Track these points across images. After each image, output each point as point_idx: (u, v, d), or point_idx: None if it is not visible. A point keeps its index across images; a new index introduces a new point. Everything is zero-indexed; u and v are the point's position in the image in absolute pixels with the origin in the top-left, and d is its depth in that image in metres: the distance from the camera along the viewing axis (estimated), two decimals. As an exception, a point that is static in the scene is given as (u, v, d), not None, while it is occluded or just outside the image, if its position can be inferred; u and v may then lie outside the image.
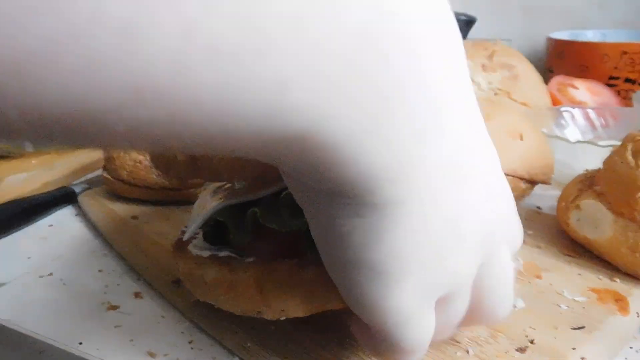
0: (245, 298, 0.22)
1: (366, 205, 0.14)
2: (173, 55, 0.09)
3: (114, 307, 0.28)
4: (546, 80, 0.58)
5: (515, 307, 0.26)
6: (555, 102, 0.56)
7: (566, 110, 0.50)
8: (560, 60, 0.66)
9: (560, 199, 0.32)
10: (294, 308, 0.21)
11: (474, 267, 0.17)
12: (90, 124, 0.09)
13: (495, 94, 0.50)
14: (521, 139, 0.36)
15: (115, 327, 0.27)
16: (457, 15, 0.63)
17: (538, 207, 0.39)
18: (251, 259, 0.22)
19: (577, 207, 0.30)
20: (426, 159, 0.14)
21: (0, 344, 0.28)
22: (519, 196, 0.37)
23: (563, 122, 0.49)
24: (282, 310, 0.21)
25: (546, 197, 0.40)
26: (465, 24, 0.68)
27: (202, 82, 0.09)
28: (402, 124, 0.13)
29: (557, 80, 0.59)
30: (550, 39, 0.68)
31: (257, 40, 0.10)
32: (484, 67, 0.51)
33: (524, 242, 0.33)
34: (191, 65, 0.09)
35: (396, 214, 0.14)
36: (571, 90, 0.58)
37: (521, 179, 0.36)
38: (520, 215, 0.38)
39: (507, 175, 0.35)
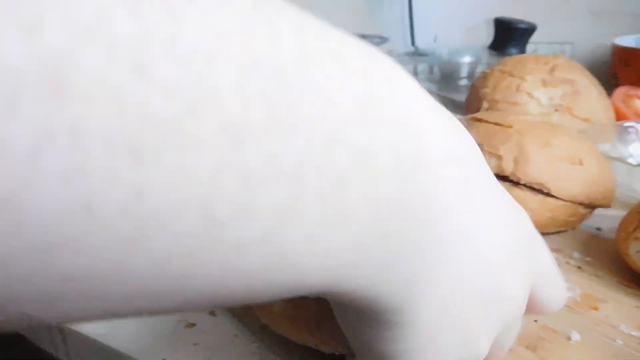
0: (305, 333, 0.24)
1: (375, 320, 0.17)
2: (215, 285, 0.12)
3: (191, 325, 0.31)
4: (611, 89, 0.57)
5: (570, 340, 0.27)
6: (619, 114, 0.55)
7: (630, 126, 0.49)
8: (626, 68, 0.64)
9: (619, 228, 0.33)
10: (349, 348, 0.23)
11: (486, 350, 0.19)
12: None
13: (556, 110, 0.49)
14: (581, 164, 0.37)
15: (194, 344, 0.30)
16: (517, 23, 0.63)
17: (598, 229, 0.39)
18: (313, 298, 0.25)
19: (637, 238, 0.31)
20: (428, 291, 0.16)
21: (95, 357, 0.31)
22: (577, 221, 0.37)
23: (627, 138, 0.49)
24: (338, 349, 0.23)
25: (607, 217, 0.40)
26: (525, 32, 0.68)
27: (235, 289, 0.12)
28: (404, 272, 0.15)
29: (621, 91, 0.58)
30: (615, 46, 0.66)
31: (280, 261, 0.12)
32: (544, 83, 0.50)
33: (582, 269, 0.34)
34: (229, 284, 0.12)
35: (402, 332, 0.17)
36: (637, 102, 0.57)
37: (580, 204, 0.36)
38: (579, 240, 0.38)
39: (566, 201, 0.36)
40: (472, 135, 0.41)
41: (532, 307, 0.21)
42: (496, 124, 0.38)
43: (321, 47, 0.12)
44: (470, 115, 0.42)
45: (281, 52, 0.11)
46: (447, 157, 0.16)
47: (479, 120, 0.39)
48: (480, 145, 0.37)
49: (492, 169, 0.37)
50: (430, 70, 0.79)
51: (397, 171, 0.14)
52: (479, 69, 0.70)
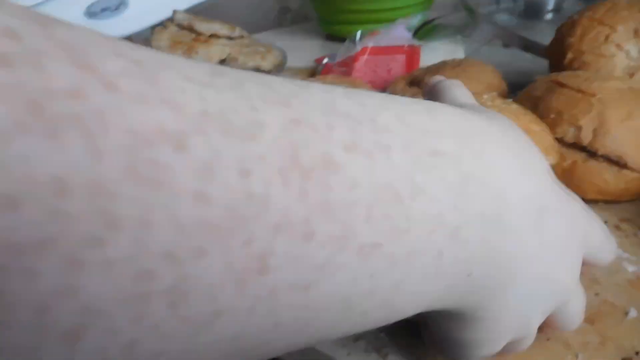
0: None
1: (452, 315, 0.20)
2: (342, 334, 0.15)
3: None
4: None
5: (627, 316, 0.29)
6: None
7: None
8: None
9: (693, 208, 0.34)
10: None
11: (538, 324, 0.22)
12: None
13: (645, 64, 0.48)
14: (662, 136, 0.37)
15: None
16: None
17: (672, 196, 0.40)
18: None
19: None
20: (500, 300, 0.19)
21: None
22: (650, 192, 0.38)
23: None
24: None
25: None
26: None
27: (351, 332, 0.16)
28: (482, 294, 0.19)
29: None
30: None
31: (389, 316, 0.16)
32: (636, 33, 0.49)
33: (649, 242, 0.35)
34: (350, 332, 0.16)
35: (475, 324, 0.20)
36: None
37: (655, 177, 0.37)
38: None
39: (640, 175, 0.37)
40: (552, 101, 0.42)
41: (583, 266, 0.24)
42: (579, 91, 0.38)
43: (423, 150, 0.15)
44: (553, 77, 0.42)
45: (394, 175, 0.14)
46: (524, 201, 0.18)
47: (562, 84, 0.40)
48: (560, 114, 0.38)
49: (569, 138, 0.38)
50: (514, -1, 0.75)
51: (484, 232, 0.17)
52: (567, 4, 0.67)
